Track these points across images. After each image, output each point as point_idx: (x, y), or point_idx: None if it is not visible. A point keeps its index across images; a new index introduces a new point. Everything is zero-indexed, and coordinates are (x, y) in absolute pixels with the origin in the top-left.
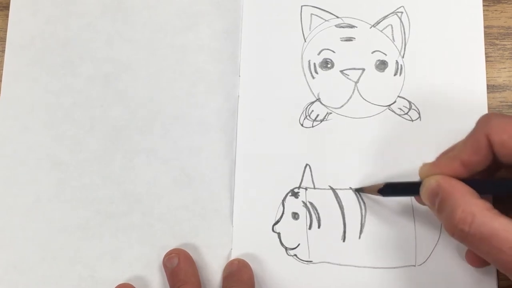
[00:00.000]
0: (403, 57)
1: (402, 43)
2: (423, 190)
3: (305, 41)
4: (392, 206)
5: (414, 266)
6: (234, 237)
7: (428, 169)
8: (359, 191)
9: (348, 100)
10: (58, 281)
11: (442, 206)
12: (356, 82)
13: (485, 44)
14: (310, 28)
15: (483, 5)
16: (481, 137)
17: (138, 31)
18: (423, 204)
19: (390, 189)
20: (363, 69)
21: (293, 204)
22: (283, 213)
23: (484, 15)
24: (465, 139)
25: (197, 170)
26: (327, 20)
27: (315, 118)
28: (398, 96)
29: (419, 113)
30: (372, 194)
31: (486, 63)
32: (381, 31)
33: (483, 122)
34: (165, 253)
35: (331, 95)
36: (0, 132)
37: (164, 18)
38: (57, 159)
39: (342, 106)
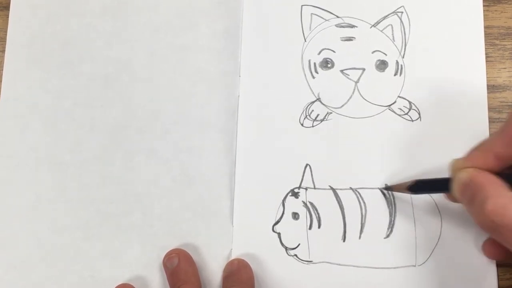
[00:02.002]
0: (403, 57)
1: (402, 43)
2: (454, 184)
3: (305, 40)
4: (392, 206)
5: (414, 266)
6: (234, 237)
7: (460, 164)
8: (387, 189)
9: (348, 100)
10: (58, 281)
11: (473, 198)
12: (356, 82)
13: (485, 44)
14: (310, 27)
15: (483, 5)
16: None
17: (138, 31)
18: (454, 201)
19: (420, 186)
20: (363, 69)
21: (293, 204)
22: (283, 213)
23: (484, 15)
24: (498, 132)
25: (197, 170)
26: (327, 20)
27: (315, 118)
28: (398, 96)
29: (419, 113)
30: (401, 191)
31: (486, 63)
32: (381, 31)
33: None
34: (165, 253)
35: (331, 95)
36: (0, 132)
37: (164, 18)
38: (57, 159)
39: (342, 106)
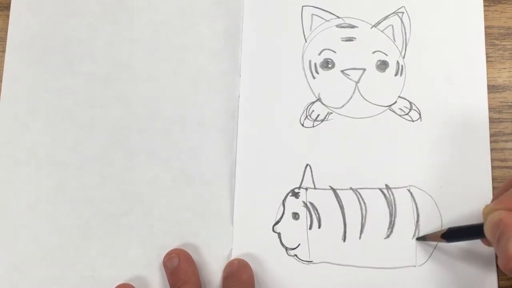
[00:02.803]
0: (404, 57)
1: (403, 43)
2: (485, 225)
3: (306, 41)
4: (392, 207)
5: (414, 266)
6: (234, 237)
7: (492, 207)
8: (420, 239)
9: (349, 100)
10: (58, 281)
11: (500, 238)
12: (357, 82)
13: (486, 44)
14: (311, 28)
15: (484, 5)
16: None
17: (138, 31)
18: (490, 245)
19: (453, 233)
20: (364, 69)
21: (293, 204)
22: (283, 213)
23: (484, 15)
24: None
25: (197, 170)
26: (328, 20)
27: (316, 118)
28: (399, 97)
29: (419, 114)
30: (435, 241)
31: (486, 63)
32: (382, 31)
33: None
34: (165, 253)
35: (332, 95)
36: (0, 132)
37: (164, 18)
38: (57, 159)
39: (342, 106)
